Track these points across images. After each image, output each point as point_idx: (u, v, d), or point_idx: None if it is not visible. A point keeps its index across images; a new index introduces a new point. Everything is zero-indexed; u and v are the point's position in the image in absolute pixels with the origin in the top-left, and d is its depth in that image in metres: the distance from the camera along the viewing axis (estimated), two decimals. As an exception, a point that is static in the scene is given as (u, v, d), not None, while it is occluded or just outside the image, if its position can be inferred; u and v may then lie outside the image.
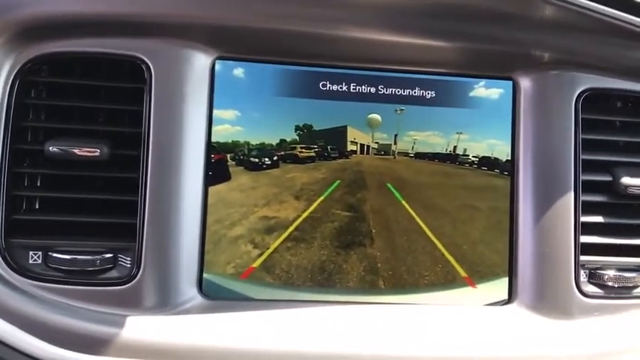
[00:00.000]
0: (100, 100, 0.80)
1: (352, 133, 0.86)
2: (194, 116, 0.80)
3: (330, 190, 0.84)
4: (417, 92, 0.85)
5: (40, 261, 0.77)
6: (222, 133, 0.82)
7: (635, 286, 0.85)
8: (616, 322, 0.83)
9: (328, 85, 0.84)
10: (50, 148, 0.77)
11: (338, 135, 0.85)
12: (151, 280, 0.77)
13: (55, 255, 0.77)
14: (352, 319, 0.81)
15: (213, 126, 0.81)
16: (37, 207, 0.79)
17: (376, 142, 0.86)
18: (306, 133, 0.84)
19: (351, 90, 0.84)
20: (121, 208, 0.79)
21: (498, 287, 0.85)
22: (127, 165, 0.79)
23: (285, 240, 0.82)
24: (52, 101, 0.79)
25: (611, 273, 0.85)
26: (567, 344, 0.80)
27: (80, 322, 0.74)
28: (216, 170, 0.82)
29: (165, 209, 0.78)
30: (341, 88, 0.84)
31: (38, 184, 0.79)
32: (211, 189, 0.81)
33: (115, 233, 0.78)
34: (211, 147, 0.81)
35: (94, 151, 0.77)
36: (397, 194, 0.85)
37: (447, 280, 0.84)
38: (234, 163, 0.82)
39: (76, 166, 0.78)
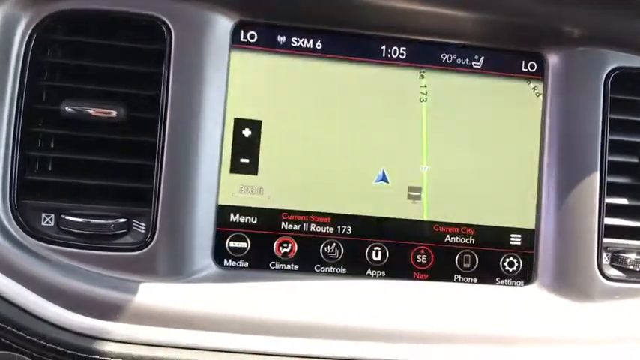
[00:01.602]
0: (117, 61, 0.77)
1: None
2: (213, 81, 0.78)
3: None
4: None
5: (52, 223, 0.75)
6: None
7: (658, 271, 0.84)
8: (637, 307, 0.82)
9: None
10: (65, 108, 0.75)
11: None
12: (165, 247, 0.76)
13: (67, 218, 0.75)
14: (368, 293, 0.80)
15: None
16: (50, 168, 0.77)
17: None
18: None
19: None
20: (136, 172, 0.77)
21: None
22: (143, 128, 0.77)
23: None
24: (68, 60, 0.77)
25: (634, 256, 0.83)
26: (587, 327, 0.79)
27: (93, 287, 0.73)
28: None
29: (181, 175, 0.77)
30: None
31: (52, 145, 0.77)
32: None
33: (130, 198, 0.77)
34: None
35: (110, 113, 0.75)
36: None
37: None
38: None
39: (92, 127, 0.76)
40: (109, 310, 0.72)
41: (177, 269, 0.76)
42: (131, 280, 0.74)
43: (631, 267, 0.83)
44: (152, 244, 0.75)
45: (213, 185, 0.79)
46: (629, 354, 0.77)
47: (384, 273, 0.83)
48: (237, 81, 0.81)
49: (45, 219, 0.76)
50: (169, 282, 0.75)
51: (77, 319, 0.71)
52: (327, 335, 0.74)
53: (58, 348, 0.69)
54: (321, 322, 0.75)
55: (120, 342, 0.71)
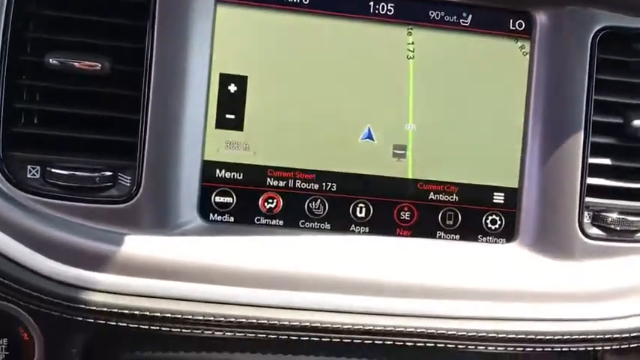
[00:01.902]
0: (102, 14, 0.77)
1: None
2: (199, 35, 0.78)
3: None
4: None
5: (38, 175, 0.76)
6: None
7: (638, 230, 0.85)
8: (617, 265, 0.83)
9: None
10: (50, 60, 0.74)
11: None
12: (150, 200, 0.76)
13: (53, 170, 0.75)
14: (352, 248, 0.81)
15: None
16: (35, 121, 0.77)
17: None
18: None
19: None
20: (121, 125, 0.77)
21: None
22: (128, 82, 0.77)
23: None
24: (53, 12, 0.76)
25: (615, 216, 0.84)
26: (567, 284, 0.80)
27: (79, 238, 0.74)
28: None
29: (166, 129, 0.77)
30: None
31: (37, 97, 0.77)
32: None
33: (115, 151, 0.77)
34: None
35: (95, 65, 0.75)
36: None
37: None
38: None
39: (77, 80, 0.76)
40: (95, 262, 0.73)
41: (162, 222, 0.77)
42: (117, 232, 0.75)
43: (612, 226, 0.84)
44: (137, 197, 0.76)
45: (199, 140, 0.80)
46: (608, 310, 0.79)
47: (367, 229, 0.84)
48: (223, 36, 0.80)
49: (30, 171, 0.76)
50: (155, 234, 0.76)
51: (64, 269, 0.72)
52: (311, 288, 0.75)
53: (44, 297, 0.71)
54: (305, 275, 0.76)
55: (106, 292, 0.72)
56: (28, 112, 0.77)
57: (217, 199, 0.81)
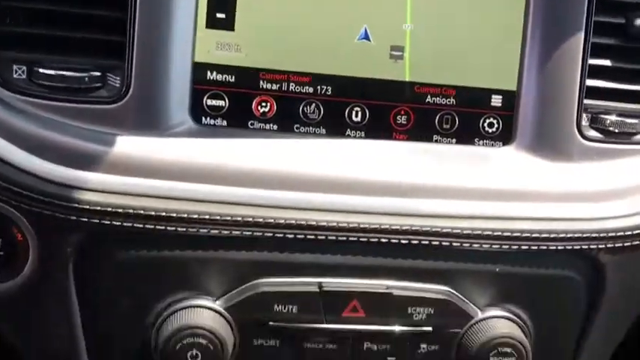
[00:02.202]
0: None
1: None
2: None
3: None
4: None
5: (24, 76, 0.74)
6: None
7: (636, 133, 0.84)
8: (614, 167, 0.82)
9: None
10: (34, -45, 0.71)
11: None
12: (140, 100, 0.74)
13: (40, 70, 0.73)
14: (347, 152, 0.80)
15: None
16: (21, 20, 0.74)
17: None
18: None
19: None
20: (109, 24, 0.74)
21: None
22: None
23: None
24: None
25: (613, 118, 0.83)
26: (564, 185, 0.80)
27: (69, 139, 0.72)
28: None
29: (155, 28, 0.74)
30: None
31: None
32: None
33: (104, 51, 0.75)
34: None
35: (81, -39, 0.72)
36: None
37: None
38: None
39: (62, -24, 0.73)
40: (86, 161, 0.72)
41: (153, 123, 0.75)
42: (108, 132, 0.74)
43: (610, 128, 0.83)
44: (127, 97, 0.74)
45: (189, 40, 0.77)
46: (604, 210, 0.79)
47: (363, 134, 0.82)
48: None
49: (16, 71, 0.73)
50: (146, 136, 0.74)
51: (55, 169, 0.71)
52: (305, 187, 0.75)
53: (36, 196, 0.70)
54: (299, 175, 0.75)
55: (99, 191, 0.71)
56: (14, 11, 0.74)
57: (209, 102, 0.80)
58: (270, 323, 0.75)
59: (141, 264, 0.73)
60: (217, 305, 0.74)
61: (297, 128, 0.81)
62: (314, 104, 0.82)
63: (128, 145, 0.73)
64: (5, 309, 0.76)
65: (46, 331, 0.77)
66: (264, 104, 0.81)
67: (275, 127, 0.81)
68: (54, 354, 0.78)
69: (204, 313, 0.73)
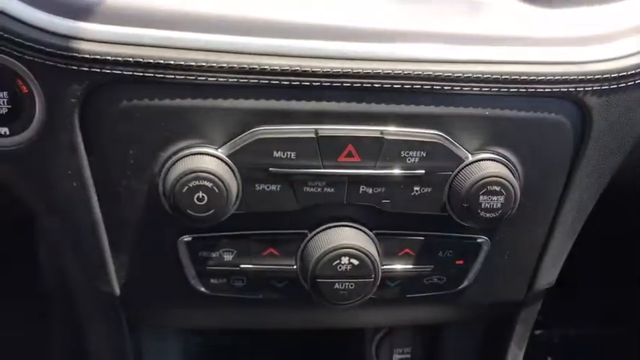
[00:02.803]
0: None
1: None
2: None
3: None
4: None
5: None
6: None
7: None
8: (602, 11, 0.83)
9: None
10: None
11: None
12: None
13: None
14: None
15: None
16: None
17: None
18: None
19: None
20: None
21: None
22: None
23: None
24: None
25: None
26: (550, 29, 0.81)
27: None
28: None
29: None
30: None
31: None
32: None
33: None
34: None
35: None
36: None
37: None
38: None
39: None
40: (86, 12, 0.72)
41: None
42: None
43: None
44: None
45: None
46: (591, 54, 0.80)
47: None
48: None
49: None
50: None
51: (56, 20, 0.72)
52: (300, 34, 0.76)
53: (38, 47, 0.71)
54: (294, 22, 0.76)
55: (100, 41, 0.72)
56: None
57: None
58: (271, 169, 0.79)
59: (143, 113, 0.76)
60: (220, 152, 0.78)
61: None
62: None
63: None
64: (15, 164, 0.80)
65: (56, 184, 0.80)
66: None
67: None
68: (66, 207, 0.83)
69: (208, 159, 0.77)
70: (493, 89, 0.78)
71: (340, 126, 0.79)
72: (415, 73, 0.76)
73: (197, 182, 0.75)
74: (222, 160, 0.77)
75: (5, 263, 1.46)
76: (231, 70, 0.74)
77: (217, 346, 1.28)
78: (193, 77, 0.74)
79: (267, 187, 0.80)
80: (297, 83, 0.76)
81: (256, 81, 0.75)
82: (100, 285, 0.88)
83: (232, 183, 0.77)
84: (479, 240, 0.89)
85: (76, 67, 0.72)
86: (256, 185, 0.80)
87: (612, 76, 0.80)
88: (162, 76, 0.73)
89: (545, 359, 1.74)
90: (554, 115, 0.82)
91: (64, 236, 0.89)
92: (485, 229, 0.88)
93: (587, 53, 0.81)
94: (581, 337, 1.78)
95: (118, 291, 0.89)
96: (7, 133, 0.76)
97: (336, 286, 0.83)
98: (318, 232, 0.84)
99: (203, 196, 0.76)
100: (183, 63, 0.73)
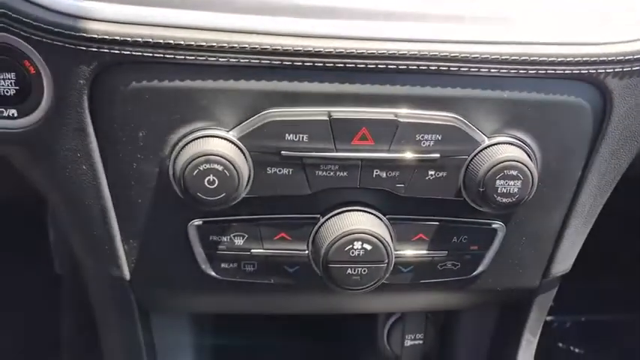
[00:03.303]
0: None
1: None
2: None
3: None
4: None
5: None
6: None
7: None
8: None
9: None
10: None
11: None
12: None
13: None
14: None
15: None
16: None
17: None
18: None
19: None
20: None
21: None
22: None
23: None
24: None
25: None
26: (571, 9, 0.79)
27: None
28: None
29: None
30: None
31: None
32: None
33: None
34: None
35: None
36: None
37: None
38: None
39: None
40: None
41: None
42: None
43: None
44: None
45: None
46: (613, 35, 0.78)
47: None
48: None
49: None
50: None
51: (64, 0, 0.71)
52: (311, 14, 0.74)
53: (45, 26, 0.70)
54: (305, 2, 0.74)
55: (108, 21, 0.71)
56: None
57: None
58: (283, 152, 0.77)
59: (152, 95, 0.74)
60: (231, 135, 0.76)
61: None
62: None
63: None
64: (24, 146, 0.79)
65: (65, 167, 0.79)
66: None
67: None
68: (76, 191, 0.82)
69: (219, 142, 0.75)
70: (511, 71, 0.76)
71: (354, 108, 0.77)
72: (431, 54, 0.74)
73: (208, 165, 0.74)
74: (233, 143, 0.76)
75: (17, 250, 1.47)
76: (242, 51, 0.73)
77: (228, 337, 1.27)
78: (204, 58, 0.72)
79: (279, 171, 0.79)
80: (310, 64, 0.74)
81: (268, 62, 0.73)
82: (110, 269, 0.88)
83: (243, 166, 0.76)
84: (494, 225, 0.87)
85: (84, 48, 0.71)
86: (268, 169, 0.78)
87: (635, 57, 0.78)
88: (172, 56, 0.72)
89: (556, 345, 1.73)
90: (573, 97, 0.80)
91: (74, 220, 0.88)
92: (500, 214, 0.86)
93: (608, 34, 0.78)
94: (593, 324, 1.77)
95: (128, 275, 0.88)
96: (16, 114, 0.75)
97: (349, 271, 0.82)
98: (331, 217, 0.83)
99: (214, 180, 0.75)
100: (193, 43, 0.72)
